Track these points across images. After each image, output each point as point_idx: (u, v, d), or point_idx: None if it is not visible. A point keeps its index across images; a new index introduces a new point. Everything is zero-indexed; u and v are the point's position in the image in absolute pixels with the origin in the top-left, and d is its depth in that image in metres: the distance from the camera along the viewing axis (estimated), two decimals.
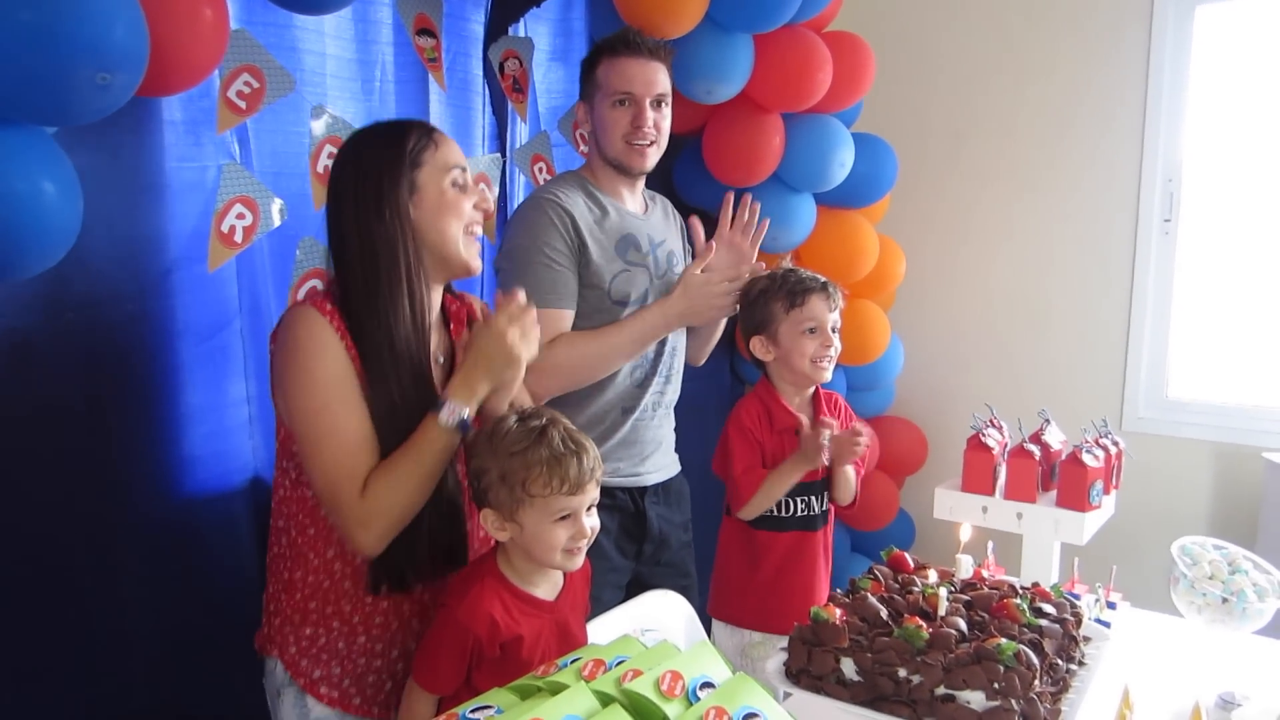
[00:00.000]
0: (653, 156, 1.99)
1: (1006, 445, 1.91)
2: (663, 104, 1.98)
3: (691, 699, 0.89)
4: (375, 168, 1.39)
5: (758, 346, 1.91)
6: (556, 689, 0.90)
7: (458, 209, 1.42)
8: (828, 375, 1.90)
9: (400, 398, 1.37)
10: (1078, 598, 1.54)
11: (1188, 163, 2.88)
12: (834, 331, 1.89)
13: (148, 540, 1.71)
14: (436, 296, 1.49)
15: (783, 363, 1.89)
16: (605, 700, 0.87)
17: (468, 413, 1.36)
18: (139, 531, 1.70)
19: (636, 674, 0.90)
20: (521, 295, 1.41)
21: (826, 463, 1.83)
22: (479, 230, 1.48)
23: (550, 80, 2.51)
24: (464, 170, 1.45)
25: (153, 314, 1.72)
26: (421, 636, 1.44)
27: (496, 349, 1.36)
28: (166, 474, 1.76)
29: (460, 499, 1.45)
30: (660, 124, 1.98)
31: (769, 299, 1.89)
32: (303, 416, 1.35)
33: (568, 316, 1.89)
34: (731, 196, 2.01)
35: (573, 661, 0.99)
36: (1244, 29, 2.81)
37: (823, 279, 1.91)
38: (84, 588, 1.63)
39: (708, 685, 0.91)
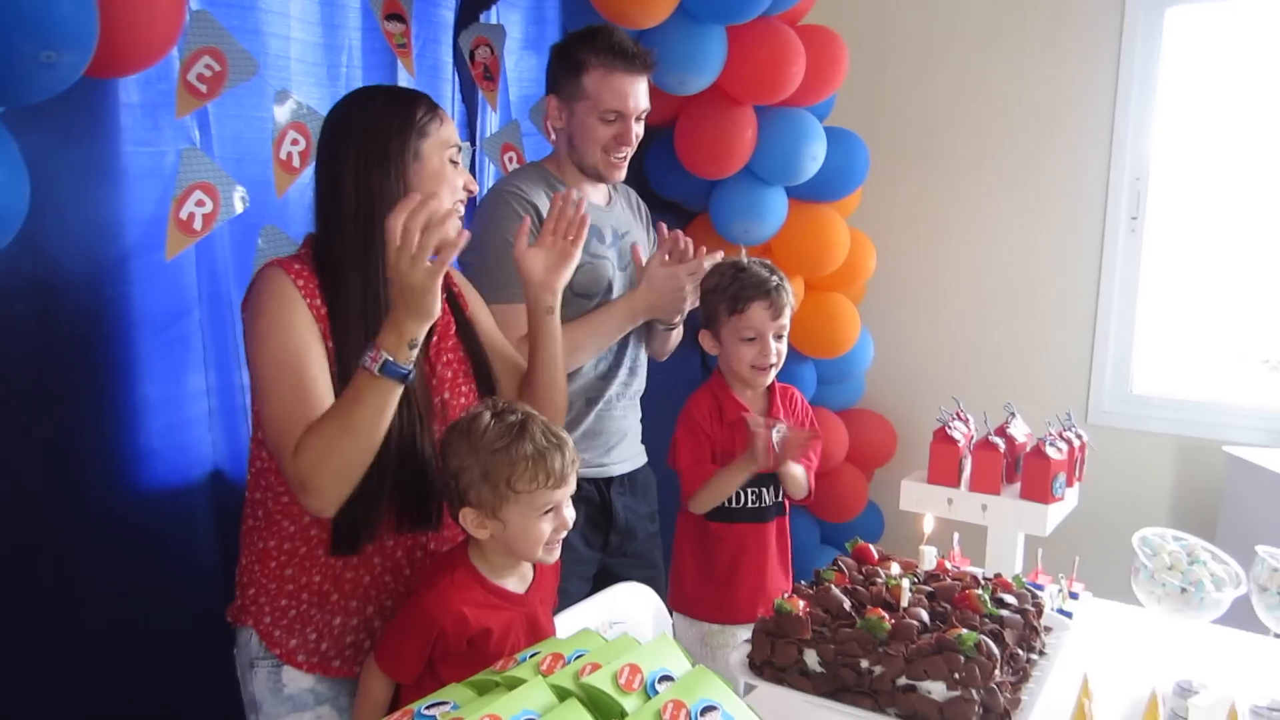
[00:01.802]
0: (626, 168, 1.99)
1: (972, 438, 1.92)
2: (642, 118, 1.97)
3: (650, 692, 0.88)
4: (385, 125, 1.39)
5: (705, 340, 1.91)
6: (514, 684, 0.89)
7: (452, 183, 1.44)
8: (765, 382, 1.89)
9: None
10: (1040, 588, 1.55)
11: (1155, 162, 2.90)
12: (778, 339, 1.86)
13: (104, 536, 1.68)
14: None
15: (723, 360, 1.90)
16: (563, 695, 0.86)
17: (391, 357, 1.23)
18: (94, 527, 1.67)
19: (595, 668, 0.89)
20: (398, 226, 1.23)
21: (765, 463, 1.82)
22: (462, 209, 1.49)
23: (522, 69, 2.48)
24: (459, 149, 1.47)
25: (108, 303, 1.68)
26: (394, 593, 1.44)
27: (398, 284, 1.23)
28: (122, 468, 1.73)
29: (431, 456, 1.40)
30: (638, 134, 1.97)
31: (715, 299, 1.87)
32: (259, 374, 1.33)
33: None
34: (664, 227, 1.98)
35: (531, 656, 0.98)
36: (1213, 31, 2.84)
37: (771, 283, 1.84)
38: (38, 585, 1.60)
39: (666, 678, 0.90)
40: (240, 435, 1.87)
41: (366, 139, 1.39)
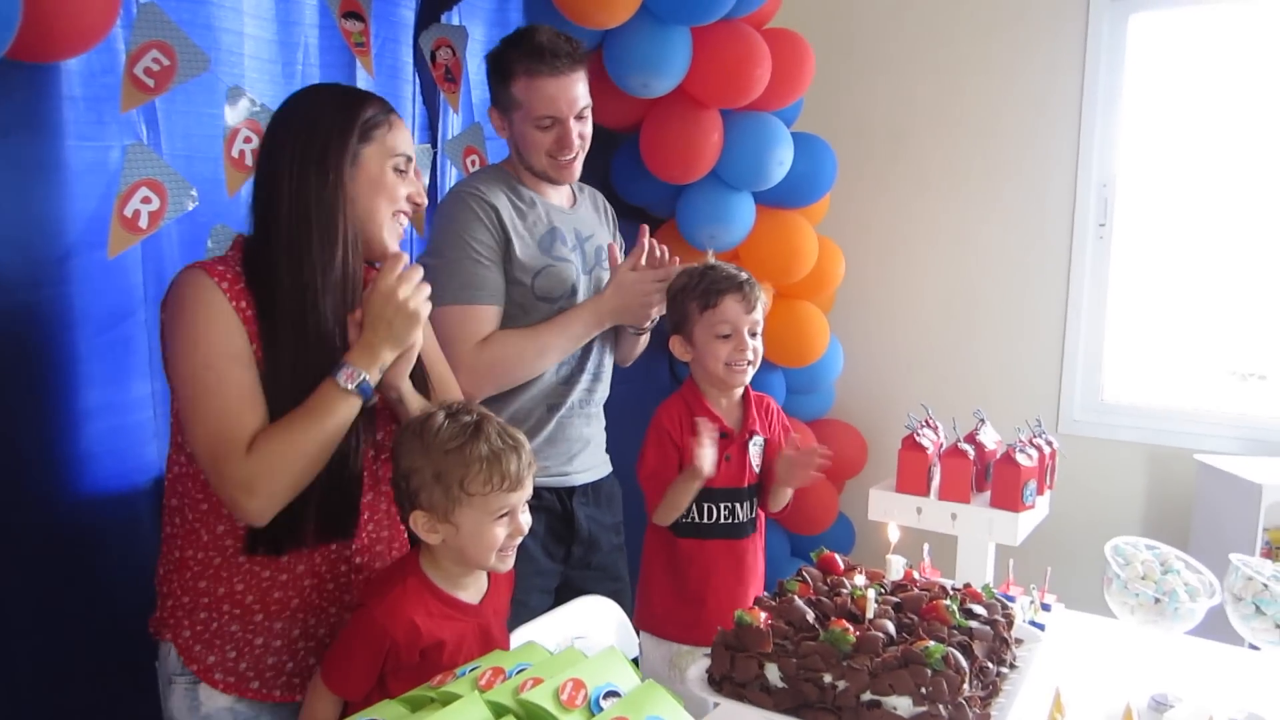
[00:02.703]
0: (579, 166, 1.92)
1: (941, 445, 1.89)
2: (585, 114, 1.88)
3: (594, 709, 0.83)
4: (324, 128, 1.35)
5: (676, 346, 1.84)
6: (448, 699, 0.83)
7: (391, 192, 1.40)
8: (743, 380, 1.82)
9: (298, 359, 1.31)
10: (1012, 599, 1.51)
11: (1122, 169, 2.91)
12: (753, 335, 1.80)
13: (41, 543, 1.60)
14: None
15: (699, 364, 1.83)
16: (499, 711, 0.81)
17: (368, 377, 1.30)
18: (31, 533, 1.59)
19: (536, 682, 0.84)
20: (406, 257, 1.37)
21: (756, 469, 1.77)
22: (405, 219, 1.44)
23: (484, 71, 2.42)
24: (409, 160, 1.42)
25: (46, 302, 1.62)
26: (324, 614, 1.39)
27: (392, 310, 1.31)
28: (61, 473, 1.65)
29: (360, 470, 1.38)
30: (584, 132, 1.89)
31: (685, 298, 1.81)
32: (184, 377, 1.29)
33: (495, 313, 1.83)
34: (646, 230, 1.92)
35: (471, 670, 0.92)
36: (1177, 38, 2.85)
37: (742, 277, 1.81)
38: None
39: (612, 694, 0.85)
40: None
41: (306, 138, 1.34)
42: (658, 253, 1.89)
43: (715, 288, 1.78)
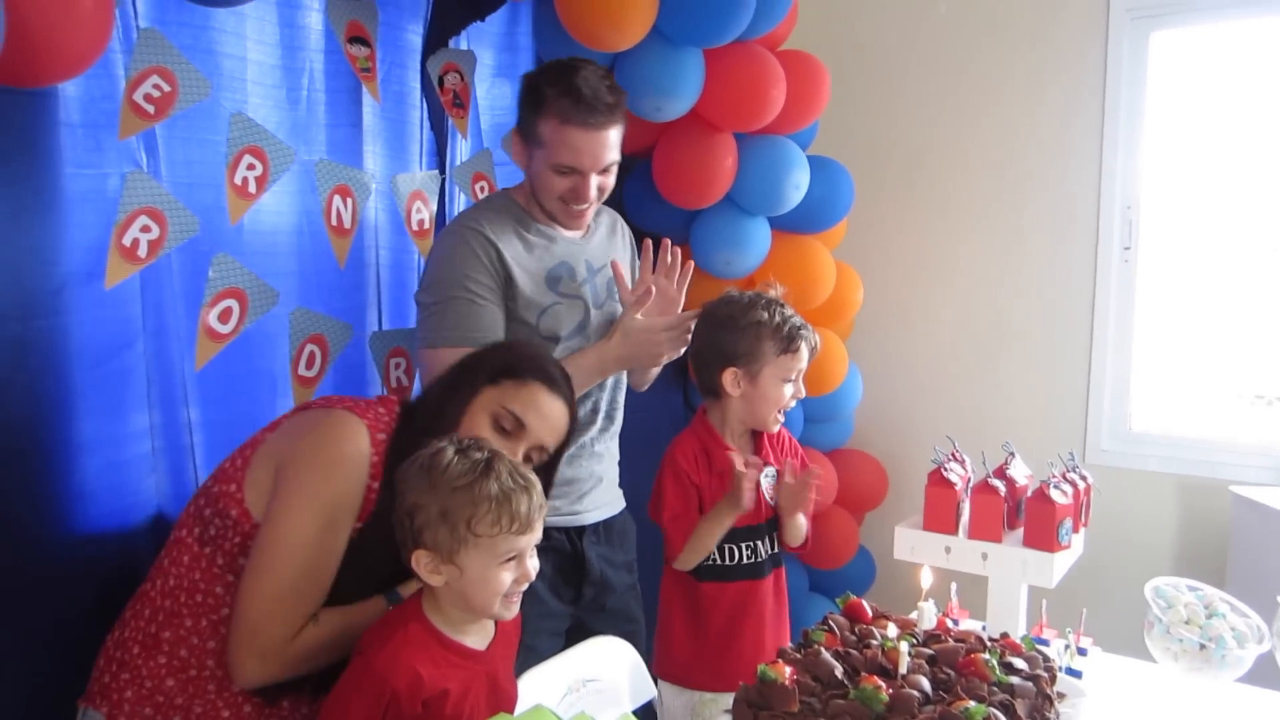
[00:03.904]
0: (590, 216, 1.86)
1: (970, 480, 1.81)
2: (610, 169, 1.79)
3: None
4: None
5: (729, 379, 1.75)
6: None
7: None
8: (778, 426, 1.83)
9: (388, 546, 1.27)
10: (1046, 644, 1.43)
11: (1146, 190, 2.84)
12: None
13: (37, 581, 1.55)
14: None
15: (746, 402, 1.75)
16: None
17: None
18: (23, 572, 1.53)
19: None
20: None
21: (771, 502, 1.70)
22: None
23: (494, 96, 2.40)
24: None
25: (42, 333, 1.56)
26: None
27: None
28: (55, 510, 1.59)
29: None
30: (605, 185, 1.81)
31: (761, 334, 1.73)
32: (294, 537, 1.28)
33: None
34: (650, 242, 1.86)
35: None
36: (1199, 54, 2.79)
37: (802, 320, 1.81)
38: None
39: None
40: (186, 477, 1.77)
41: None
42: (668, 258, 1.83)
43: (797, 332, 1.75)
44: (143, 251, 1.67)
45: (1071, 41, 2.87)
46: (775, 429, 1.80)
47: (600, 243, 1.95)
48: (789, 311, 1.78)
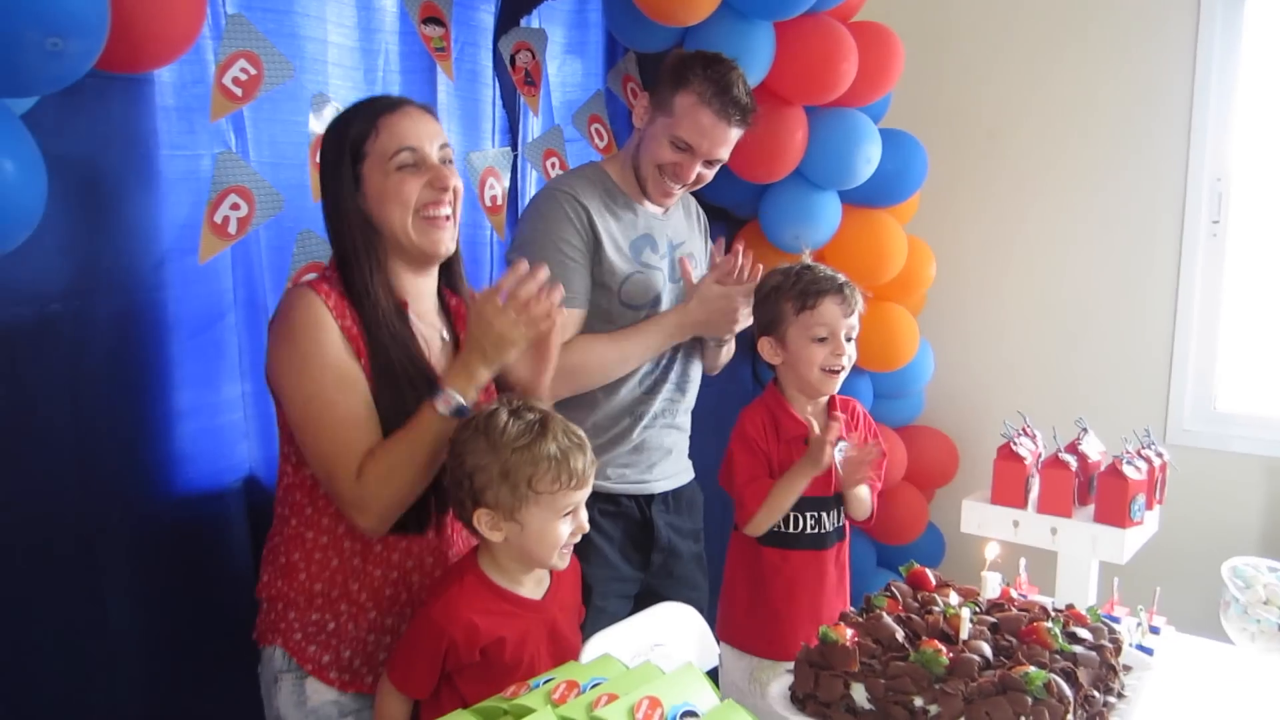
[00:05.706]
0: (677, 198, 1.93)
1: (1040, 455, 1.78)
2: (715, 165, 1.88)
3: None
4: (329, 161, 1.42)
5: (765, 348, 1.77)
6: (522, 713, 0.81)
7: (400, 195, 1.38)
8: (835, 387, 1.76)
9: (403, 370, 1.37)
10: (1117, 621, 1.41)
11: (1236, 162, 2.72)
12: (849, 340, 1.74)
13: (137, 542, 1.65)
14: (420, 283, 1.47)
15: (790, 368, 1.76)
16: None
17: (463, 401, 1.33)
18: (127, 533, 1.64)
19: (611, 699, 0.81)
20: (523, 265, 1.35)
21: (839, 466, 1.70)
22: (437, 210, 1.41)
23: (565, 74, 2.43)
24: (414, 150, 1.39)
25: (142, 307, 1.67)
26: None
27: (484, 333, 1.34)
28: (155, 473, 1.70)
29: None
30: (703, 177, 1.89)
31: (779, 297, 1.75)
32: (294, 400, 1.35)
33: (579, 316, 1.81)
34: (720, 248, 1.91)
35: (545, 682, 0.89)
36: None
37: (840, 279, 1.75)
38: (71, 591, 1.57)
39: (690, 714, 0.81)
40: (275, 443, 1.84)
41: (323, 176, 1.44)
42: (736, 268, 1.84)
43: (814, 288, 1.72)
44: (233, 228, 1.76)
45: (1160, 8, 2.76)
46: (828, 390, 1.76)
47: (679, 222, 2.00)
48: (810, 273, 1.75)
